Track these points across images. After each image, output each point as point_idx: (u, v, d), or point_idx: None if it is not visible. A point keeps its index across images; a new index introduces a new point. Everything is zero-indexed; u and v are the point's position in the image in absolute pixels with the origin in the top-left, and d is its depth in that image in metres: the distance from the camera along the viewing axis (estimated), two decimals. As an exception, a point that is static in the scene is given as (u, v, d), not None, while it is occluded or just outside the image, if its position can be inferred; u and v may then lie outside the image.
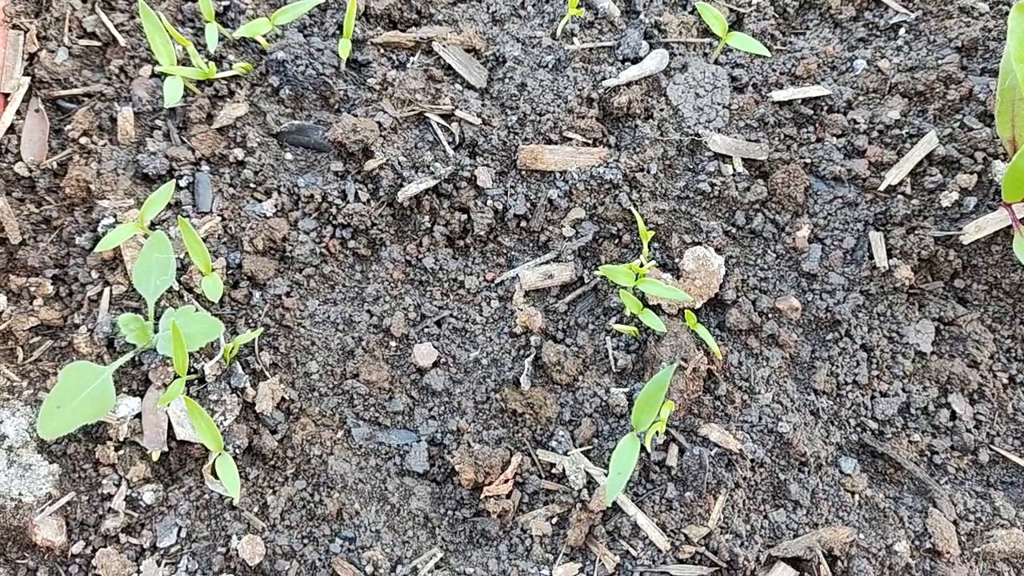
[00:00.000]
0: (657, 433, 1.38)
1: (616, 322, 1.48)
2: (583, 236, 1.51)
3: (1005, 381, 1.46)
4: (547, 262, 1.52)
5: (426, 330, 1.50)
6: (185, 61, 1.56)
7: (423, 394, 1.47)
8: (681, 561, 1.33)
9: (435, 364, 1.48)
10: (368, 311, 1.51)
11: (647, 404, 1.29)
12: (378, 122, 1.54)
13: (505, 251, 1.54)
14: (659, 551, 1.33)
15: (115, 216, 1.46)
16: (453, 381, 1.47)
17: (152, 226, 1.46)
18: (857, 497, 1.38)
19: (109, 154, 1.50)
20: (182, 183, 1.51)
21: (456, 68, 1.59)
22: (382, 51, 1.61)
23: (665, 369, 1.29)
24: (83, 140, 1.52)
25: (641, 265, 1.43)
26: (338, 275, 1.53)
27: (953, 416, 1.44)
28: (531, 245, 1.54)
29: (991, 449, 1.42)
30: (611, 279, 1.40)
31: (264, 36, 1.58)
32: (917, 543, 1.34)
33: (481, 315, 1.51)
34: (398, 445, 1.43)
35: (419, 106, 1.56)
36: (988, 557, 1.33)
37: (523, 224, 1.53)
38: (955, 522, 1.36)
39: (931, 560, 1.33)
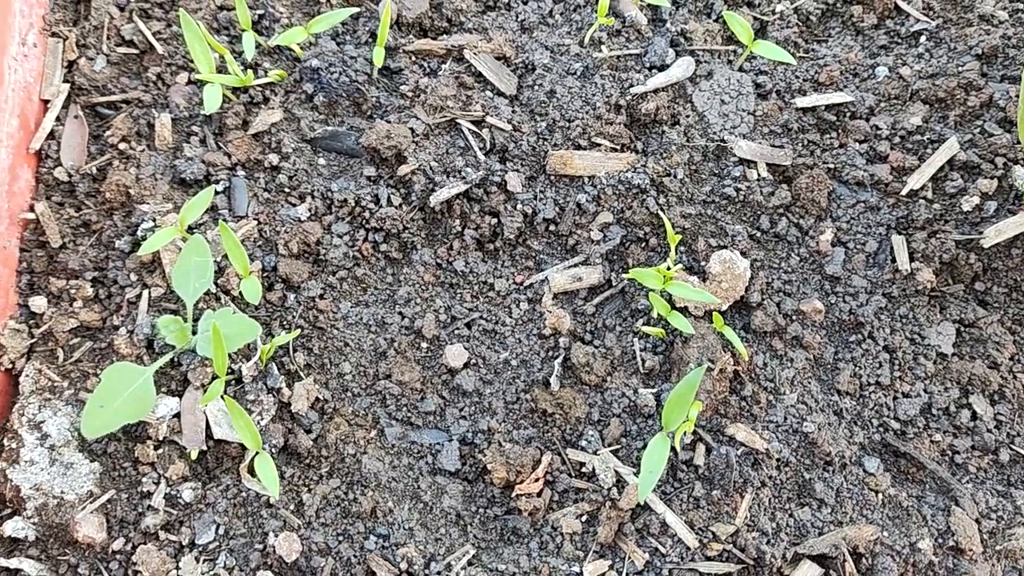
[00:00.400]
0: (685, 433, 1.40)
1: (643, 324, 1.51)
2: (611, 239, 1.55)
3: (1026, 383, 1.48)
4: (575, 265, 1.55)
5: (457, 331, 1.53)
6: (222, 68, 1.59)
7: (454, 394, 1.50)
8: (709, 558, 1.36)
9: (466, 365, 1.51)
10: (400, 313, 1.54)
11: (677, 405, 1.32)
12: (411, 128, 1.57)
13: (534, 254, 1.57)
14: (687, 548, 1.36)
15: (154, 220, 1.50)
16: (484, 382, 1.51)
17: (190, 230, 1.49)
18: (881, 496, 1.41)
19: (147, 159, 1.54)
20: (219, 188, 1.54)
21: (487, 75, 1.62)
22: (414, 59, 1.65)
23: (695, 371, 1.32)
24: (122, 146, 1.55)
25: (668, 268, 1.46)
26: (370, 278, 1.56)
27: (974, 416, 1.46)
28: (559, 248, 1.57)
29: (1011, 449, 1.45)
30: (640, 282, 1.43)
31: (299, 44, 1.61)
32: (940, 541, 1.37)
33: (511, 317, 1.54)
34: (430, 444, 1.47)
35: (451, 112, 1.59)
36: (1010, 555, 1.36)
37: (552, 228, 1.56)
38: (977, 520, 1.38)
39: (954, 558, 1.36)
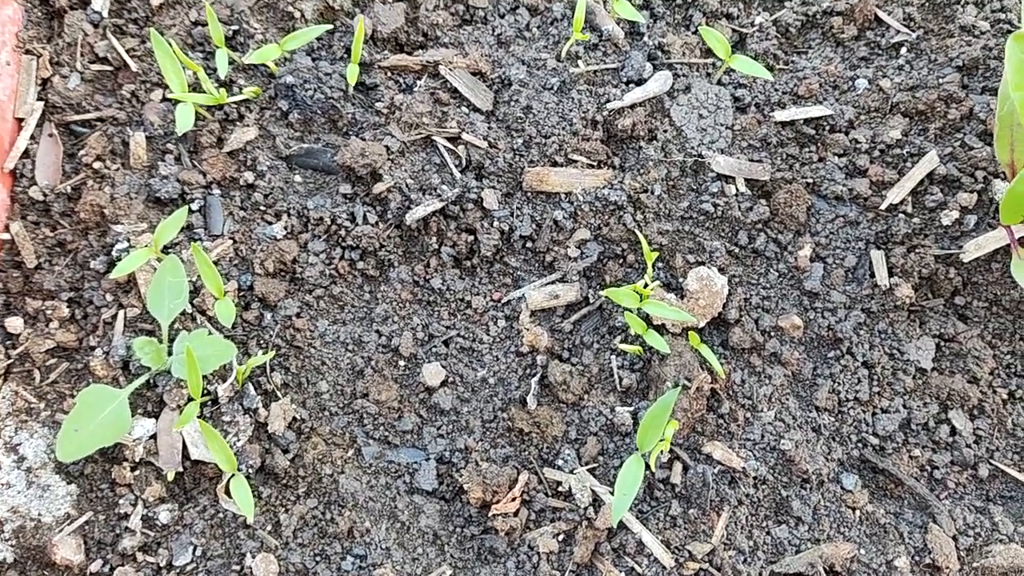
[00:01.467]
0: (662, 452, 1.40)
1: (621, 341, 1.50)
2: (588, 256, 1.54)
3: (1005, 397, 1.48)
4: (553, 282, 1.55)
5: (434, 350, 1.53)
6: (196, 86, 1.58)
7: (431, 413, 1.50)
8: (686, 578, 1.36)
9: (443, 383, 1.51)
10: (377, 331, 1.54)
11: (651, 425, 1.31)
12: (386, 146, 1.56)
13: (511, 271, 1.57)
14: (663, 568, 1.36)
15: (129, 240, 1.49)
16: (461, 400, 1.50)
17: (165, 250, 1.49)
18: (858, 513, 1.41)
19: (122, 178, 1.53)
20: (194, 206, 1.53)
21: (462, 91, 1.61)
22: (389, 74, 1.64)
23: (670, 391, 1.32)
24: (96, 164, 1.55)
25: (645, 286, 1.45)
26: (347, 296, 1.55)
27: (953, 432, 1.46)
28: (537, 266, 1.57)
29: (991, 464, 1.45)
30: (615, 301, 1.43)
31: (273, 60, 1.60)
32: (917, 558, 1.37)
33: (488, 335, 1.54)
34: (407, 463, 1.46)
35: (426, 129, 1.58)
36: (987, 572, 1.35)
37: (529, 245, 1.56)
38: (954, 537, 1.38)
39: (931, 575, 1.36)
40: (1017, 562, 1.34)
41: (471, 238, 1.55)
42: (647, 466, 1.36)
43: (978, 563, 1.36)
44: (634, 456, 1.32)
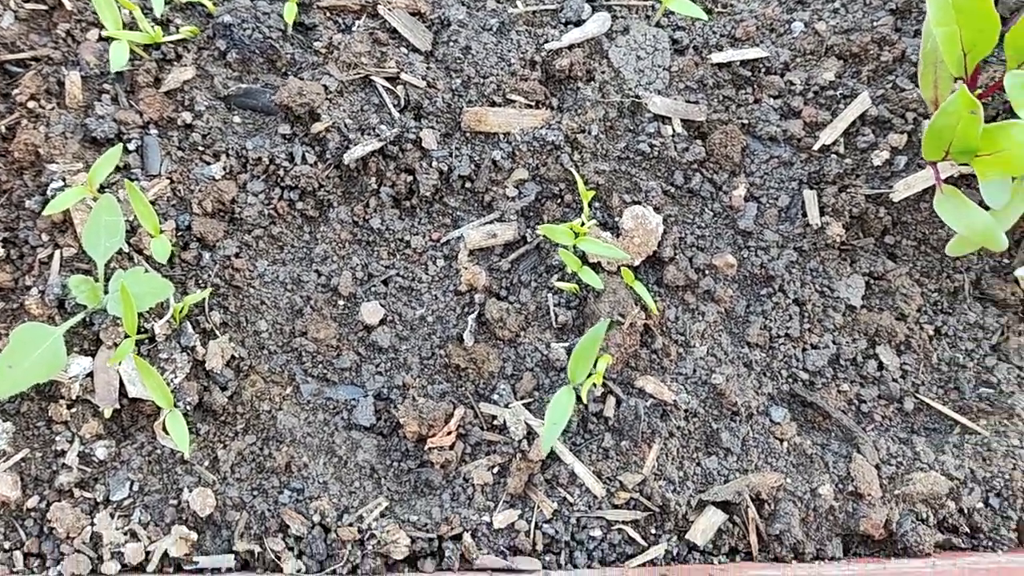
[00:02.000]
0: (595, 385, 1.42)
1: (558, 279, 1.52)
2: (526, 196, 1.55)
3: (931, 333, 1.51)
4: (491, 222, 1.56)
5: (373, 289, 1.54)
6: (132, 25, 1.57)
7: (370, 351, 1.51)
8: (616, 506, 1.39)
9: (382, 322, 1.52)
10: (316, 271, 1.54)
11: (582, 357, 1.34)
12: (324, 85, 1.56)
13: (450, 211, 1.57)
14: (595, 497, 1.39)
15: (64, 179, 1.49)
16: (399, 338, 1.52)
17: (101, 189, 1.48)
18: (786, 444, 1.44)
19: (57, 118, 1.52)
20: (131, 146, 1.53)
21: (401, 31, 1.61)
22: (328, 14, 1.63)
23: (598, 325, 1.34)
24: (31, 104, 1.53)
25: (582, 224, 1.47)
26: (287, 236, 1.56)
27: (880, 367, 1.49)
28: (476, 205, 1.58)
29: (916, 397, 1.48)
30: (551, 238, 1.44)
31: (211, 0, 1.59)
32: (841, 486, 1.40)
33: (427, 274, 1.55)
34: (345, 400, 1.48)
35: (365, 69, 1.58)
36: (907, 498, 1.39)
37: (468, 185, 1.56)
38: (877, 466, 1.42)
39: (854, 502, 1.39)
40: (936, 488, 1.38)
41: (410, 178, 1.56)
42: (580, 399, 1.38)
43: (899, 490, 1.40)
44: (565, 388, 1.35)
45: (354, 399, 1.48)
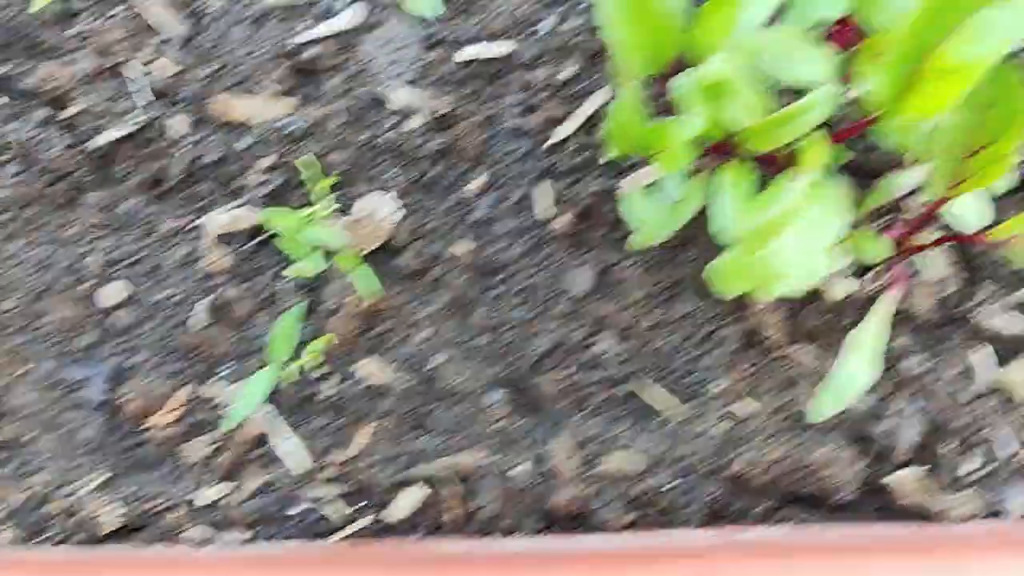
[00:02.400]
0: (306, 368, 1.48)
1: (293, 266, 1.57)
2: (271, 183, 1.60)
3: (651, 323, 1.58)
4: (236, 207, 1.61)
5: (119, 272, 1.59)
6: None
7: (108, 332, 1.56)
8: (326, 482, 1.45)
9: (123, 304, 1.57)
10: (65, 254, 1.59)
11: (281, 336, 1.40)
12: (76, 71, 1.60)
13: (199, 198, 1.62)
14: (306, 472, 1.45)
15: None
16: (139, 320, 1.57)
17: None
18: (498, 425, 1.50)
19: None
20: None
21: (156, 20, 1.65)
22: (86, 2, 1.67)
23: (296, 307, 1.40)
24: None
25: (322, 211, 1.52)
26: (39, 219, 1.60)
27: (601, 353, 1.56)
28: (224, 192, 1.62)
29: (629, 383, 1.55)
30: (273, 224, 1.50)
31: (-33, -14, 1.63)
32: (539, 465, 1.47)
33: (172, 259, 1.60)
34: (79, 379, 1.53)
35: (120, 56, 1.62)
36: (604, 477, 1.46)
37: (215, 172, 1.61)
38: (580, 445, 1.48)
39: (550, 480, 1.46)
40: (626, 467, 1.45)
41: (160, 164, 1.61)
42: (301, 380, 1.44)
43: (596, 470, 1.47)
44: (263, 370, 1.41)
45: (87, 378, 1.53)
